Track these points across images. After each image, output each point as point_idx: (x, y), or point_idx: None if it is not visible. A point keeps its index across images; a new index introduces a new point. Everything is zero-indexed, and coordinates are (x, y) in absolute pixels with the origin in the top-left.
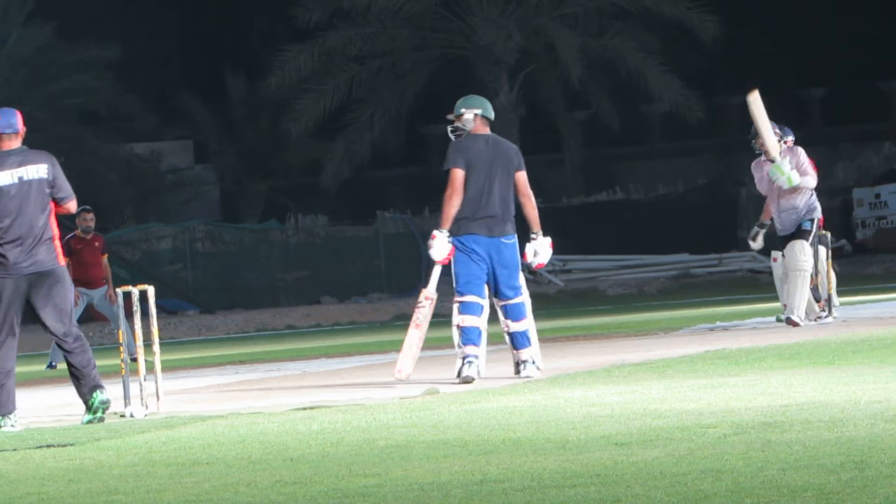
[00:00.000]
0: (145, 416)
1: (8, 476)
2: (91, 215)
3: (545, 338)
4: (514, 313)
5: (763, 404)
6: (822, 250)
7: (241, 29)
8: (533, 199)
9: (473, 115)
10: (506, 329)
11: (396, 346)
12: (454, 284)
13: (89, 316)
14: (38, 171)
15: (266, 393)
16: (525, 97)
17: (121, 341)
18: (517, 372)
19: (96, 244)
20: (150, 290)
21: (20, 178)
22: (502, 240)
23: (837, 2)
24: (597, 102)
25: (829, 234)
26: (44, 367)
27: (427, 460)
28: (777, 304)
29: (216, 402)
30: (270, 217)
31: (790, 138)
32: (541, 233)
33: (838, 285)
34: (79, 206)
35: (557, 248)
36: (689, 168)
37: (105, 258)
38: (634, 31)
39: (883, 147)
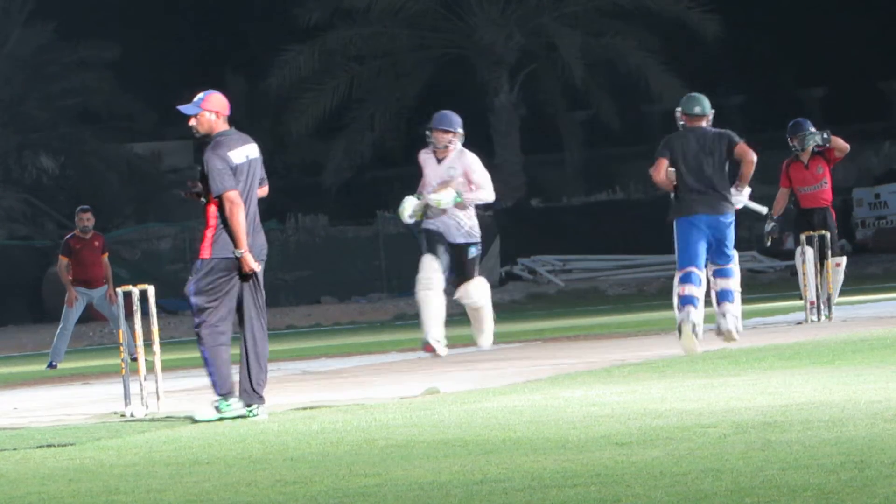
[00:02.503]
0: (145, 415)
1: (8, 476)
2: (89, 215)
3: (545, 337)
4: (721, 273)
5: (763, 404)
6: (810, 251)
7: (241, 29)
8: (751, 161)
9: (680, 113)
10: (714, 288)
11: (396, 346)
12: (676, 257)
13: (89, 316)
14: (256, 150)
15: (266, 393)
16: (525, 97)
17: (121, 341)
18: (717, 327)
19: (96, 244)
20: (150, 290)
21: (247, 157)
22: (720, 217)
23: (837, 2)
24: (597, 102)
25: (828, 235)
26: (44, 366)
27: (427, 460)
28: (779, 304)
29: None
30: (270, 217)
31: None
32: (743, 187)
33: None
34: (78, 205)
35: (557, 248)
36: None
37: (105, 258)
38: (635, 31)
39: (883, 147)
